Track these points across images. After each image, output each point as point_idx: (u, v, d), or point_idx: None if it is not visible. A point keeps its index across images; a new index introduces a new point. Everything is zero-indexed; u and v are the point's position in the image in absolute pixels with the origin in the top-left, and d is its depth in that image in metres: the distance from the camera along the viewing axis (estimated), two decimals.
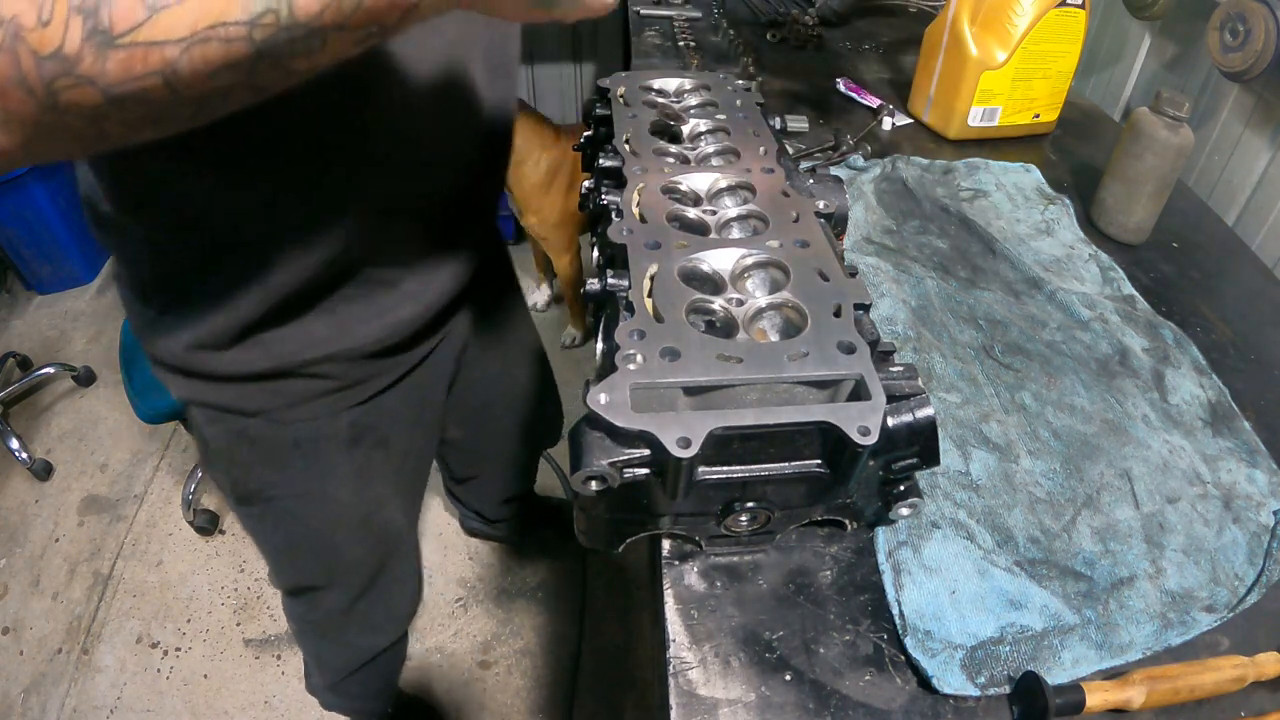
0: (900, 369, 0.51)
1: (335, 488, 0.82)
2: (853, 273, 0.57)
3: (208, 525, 1.75)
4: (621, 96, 0.78)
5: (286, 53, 0.35)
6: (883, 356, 0.52)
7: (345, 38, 0.36)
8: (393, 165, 0.65)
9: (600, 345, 0.55)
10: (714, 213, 0.63)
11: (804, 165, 1.00)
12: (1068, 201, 1.00)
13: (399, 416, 0.83)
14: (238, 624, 1.61)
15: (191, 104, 0.35)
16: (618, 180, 0.66)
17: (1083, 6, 1.04)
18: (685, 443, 0.44)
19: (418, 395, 0.85)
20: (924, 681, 0.51)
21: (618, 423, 0.45)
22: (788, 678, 0.51)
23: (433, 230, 0.73)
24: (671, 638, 0.53)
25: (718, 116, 0.76)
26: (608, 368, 0.48)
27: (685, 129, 0.74)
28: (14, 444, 1.87)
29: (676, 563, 0.57)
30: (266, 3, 0.33)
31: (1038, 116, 1.13)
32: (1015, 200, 1.00)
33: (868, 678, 0.52)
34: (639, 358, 0.48)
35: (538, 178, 1.92)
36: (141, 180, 0.58)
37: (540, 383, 1.20)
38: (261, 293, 0.64)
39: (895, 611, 0.54)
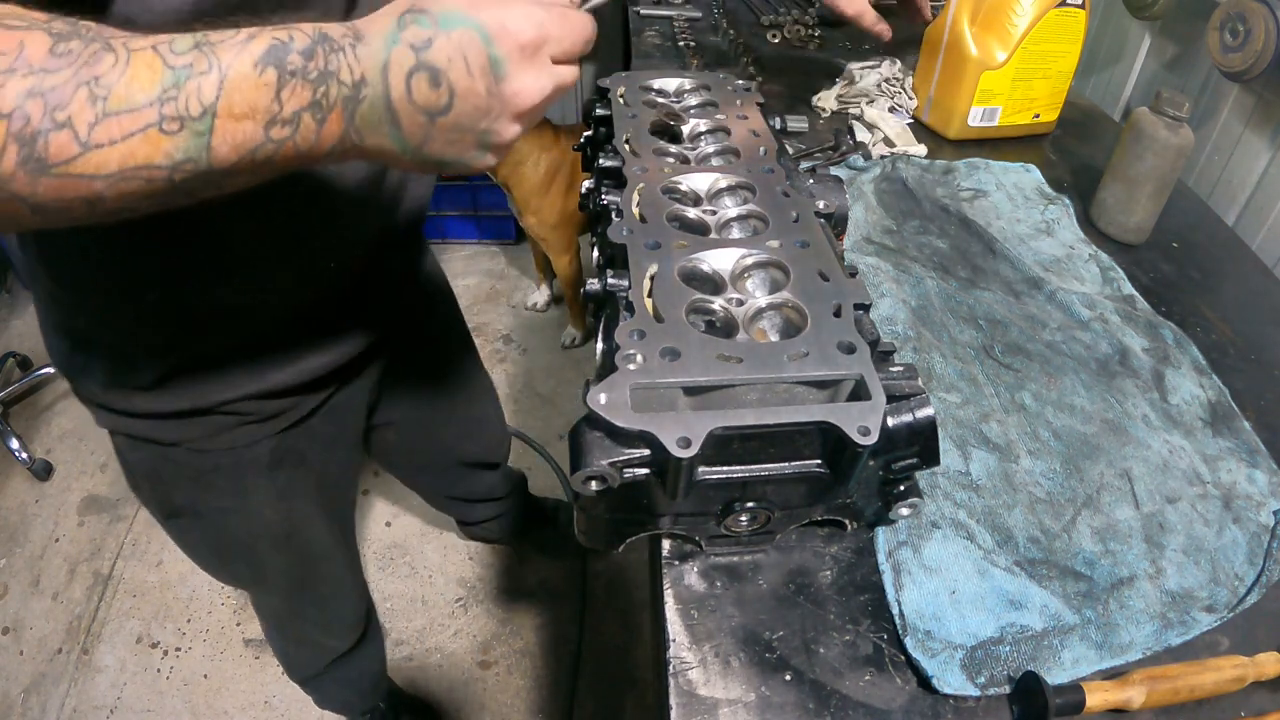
0: (900, 369, 0.51)
1: (257, 505, 0.83)
2: (853, 273, 0.57)
3: None
4: (621, 96, 0.78)
5: (201, 188, 0.40)
6: (883, 356, 0.52)
7: (259, 177, 0.42)
8: (305, 240, 0.66)
9: (600, 345, 0.55)
10: (714, 213, 0.63)
11: (804, 165, 1.00)
12: (1068, 201, 1.00)
13: (319, 439, 0.84)
14: (238, 624, 1.61)
15: (109, 215, 0.39)
16: (618, 180, 0.66)
17: (1083, 6, 1.04)
18: (685, 443, 0.44)
19: (338, 418, 0.86)
20: (924, 681, 0.51)
21: (618, 423, 0.45)
22: (788, 678, 0.51)
23: (347, 290, 0.74)
24: (671, 638, 0.53)
25: (718, 116, 0.76)
26: (608, 368, 0.48)
27: (685, 129, 0.74)
28: (14, 444, 1.87)
29: (676, 563, 0.57)
30: (187, 152, 0.37)
31: (1038, 116, 1.13)
32: (1015, 200, 1.00)
33: (868, 678, 0.52)
34: (639, 358, 0.48)
35: (537, 178, 1.92)
36: (52, 245, 0.62)
37: (475, 391, 1.20)
38: (174, 344, 0.67)
39: (895, 611, 0.54)
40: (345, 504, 1.02)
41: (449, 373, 1.10)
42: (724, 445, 0.47)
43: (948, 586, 0.55)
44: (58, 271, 0.64)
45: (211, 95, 0.37)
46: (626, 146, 0.70)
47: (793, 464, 0.50)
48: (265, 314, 0.69)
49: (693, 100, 0.79)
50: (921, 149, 1.07)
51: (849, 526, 0.59)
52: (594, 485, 0.47)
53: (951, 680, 0.50)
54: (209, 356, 0.69)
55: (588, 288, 0.55)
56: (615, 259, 0.58)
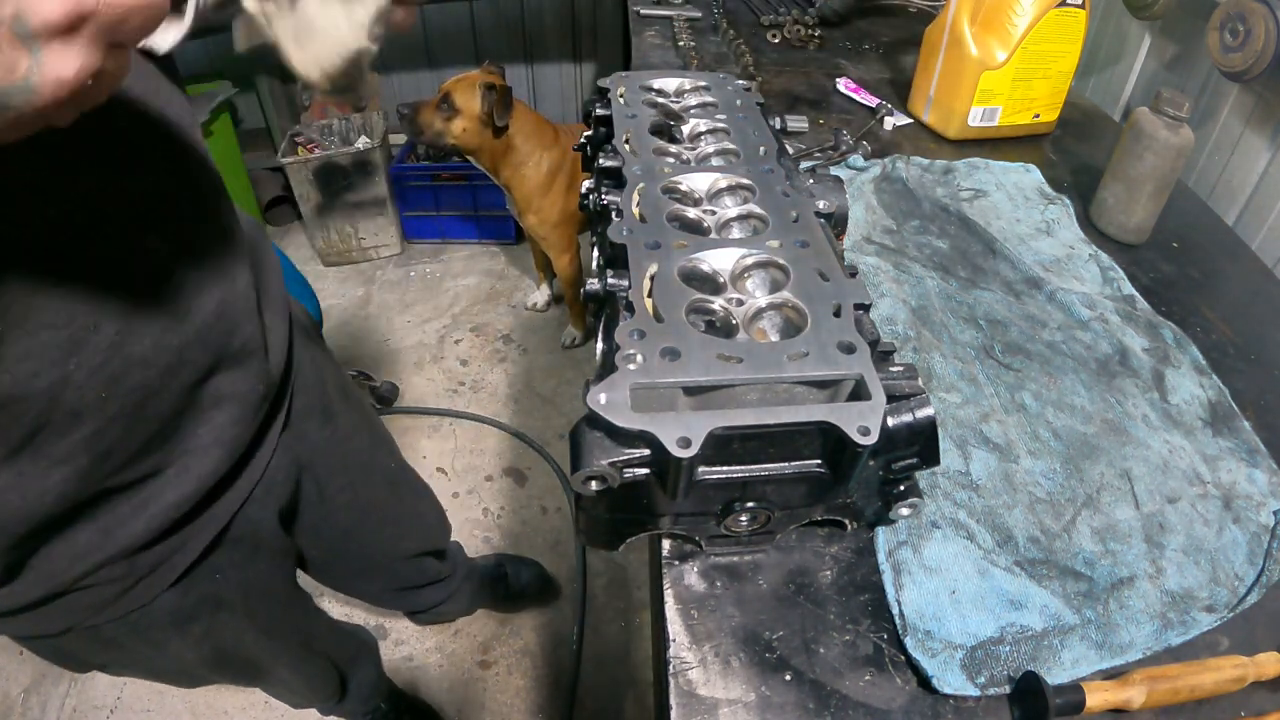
0: (900, 369, 0.51)
1: (176, 651, 0.75)
2: (853, 273, 0.57)
3: None
4: (621, 96, 0.78)
5: None
6: (883, 356, 0.52)
7: None
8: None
9: (600, 345, 0.55)
10: (714, 213, 0.63)
11: (804, 165, 1.00)
12: (1068, 201, 1.00)
13: (230, 568, 0.74)
14: None
15: None
16: (618, 180, 0.66)
17: (1083, 6, 1.04)
18: (685, 443, 0.44)
19: (243, 547, 0.74)
20: (924, 681, 0.51)
21: (618, 423, 0.45)
22: (788, 678, 0.51)
23: (180, 402, 0.60)
24: (671, 638, 0.53)
25: (718, 116, 0.76)
26: (608, 368, 0.48)
27: (685, 129, 0.74)
28: None
29: (676, 563, 0.57)
30: None
31: (1038, 116, 1.13)
32: (1015, 200, 1.00)
33: (868, 678, 0.52)
34: (639, 358, 0.48)
35: (539, 178, 1.92)
36: None
37: (401, 489, 1.10)
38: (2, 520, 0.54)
39: (895, 611, 0.54)
40: (283, 608, 0.91)
41: (368, 472, 0.98)
42: (724, 445, 0.47)
43: (948, 586, 0.55)
44: None
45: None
46: (626, 146, 0.70)
47: (793, 464, 0.50)
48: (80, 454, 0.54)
49: (693, 100, 0.79)
50: None
51: (849, 526, 0.59)
52: (594, 485, 0.47)
53: (951, 680, 0.50)
54: (43, 526, 0.55)
55: (588, 288, 0.55)
56: (615, 259, 0.58)
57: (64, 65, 0.30)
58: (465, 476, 1.90)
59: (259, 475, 0.73)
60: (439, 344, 2.28)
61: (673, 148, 0.71)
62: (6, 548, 0.55)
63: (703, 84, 0.81)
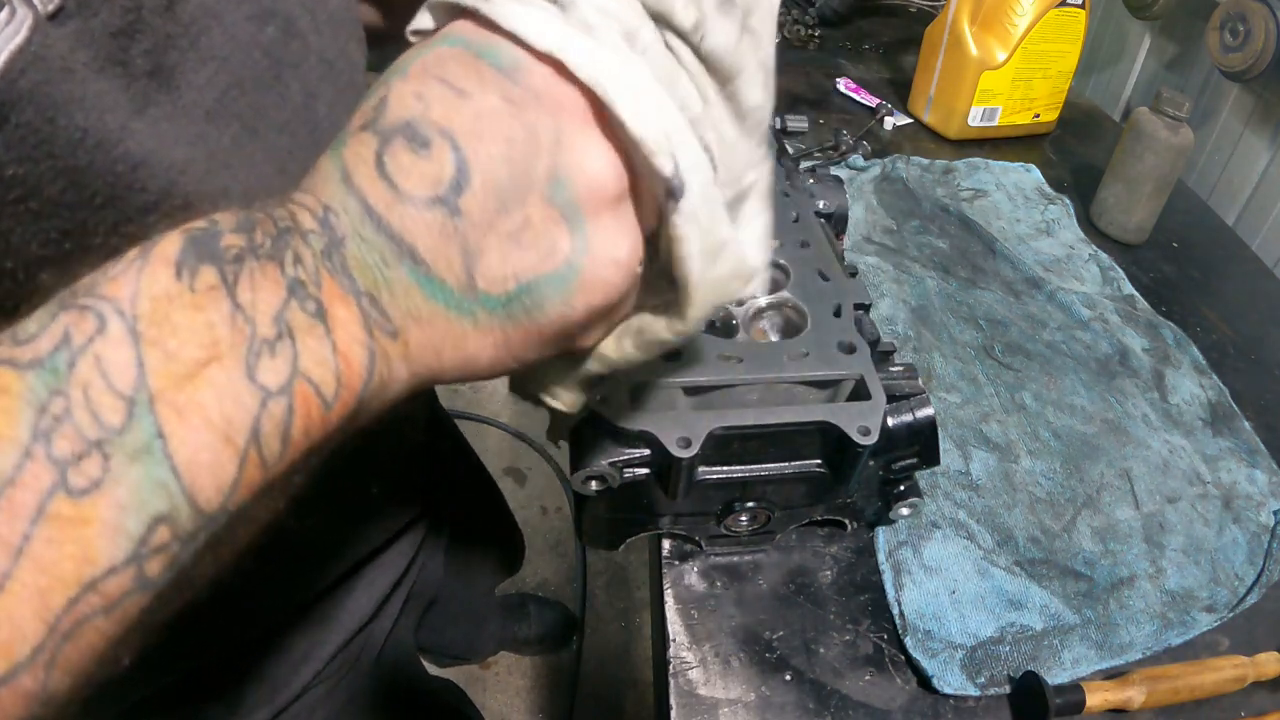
0: (900, 369, 0.51)
1: None
2: (853, 273, 0.57)
3: None
4: None
5: (197, 574, 0.21)
6: (883, 356, 0.53)
7: (279, 493, 0.23)
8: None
9: None
10: None
11: (804, 165, 1.00)
12: (1068, 201, 1.00)
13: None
14: None
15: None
16: None
17: (1083, 6, 1.04)
18: (685, 443, 0.44)
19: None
20: (924, 681, 0.51)
21: (618, 423, 0.45)
22: (788, 678, 0.51)
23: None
24: (671, 638, 0.53)
25: None
26: None
27: None
28: None
29: (676, 563, 0.57)
30: (144, 510, 0.19)
31: (1038, 116, 1.13)
32: (1015, 200, 1.00)
33: (868, 678, 0.52)
34: None
35: None
36: None
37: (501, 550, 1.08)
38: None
39: (895, 611, 0.54)
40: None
41: (483, 538, 0.94)
42: (724, 445, 0.47)
43: (948, 586, 0.55)
44: None
45: (131, 372, 0.19)
46: None
47: (793, 464, 0.50)
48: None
49: None
50: None
51: (849, 526, 0.59)
52: (594, 485, 0.47)
53: (951, 680, 0.50)
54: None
55: None
56: None
57: (615, 243, 0.23)
58: None
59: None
60: None
61: None
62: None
63: None
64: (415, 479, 0.60)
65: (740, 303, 0.54)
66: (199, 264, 0.20)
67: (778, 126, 0.77)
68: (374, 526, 0.61)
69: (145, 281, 0.20)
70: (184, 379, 0.19)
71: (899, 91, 1.25)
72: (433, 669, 1.51)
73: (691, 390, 0.48)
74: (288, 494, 0.23)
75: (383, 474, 0.54)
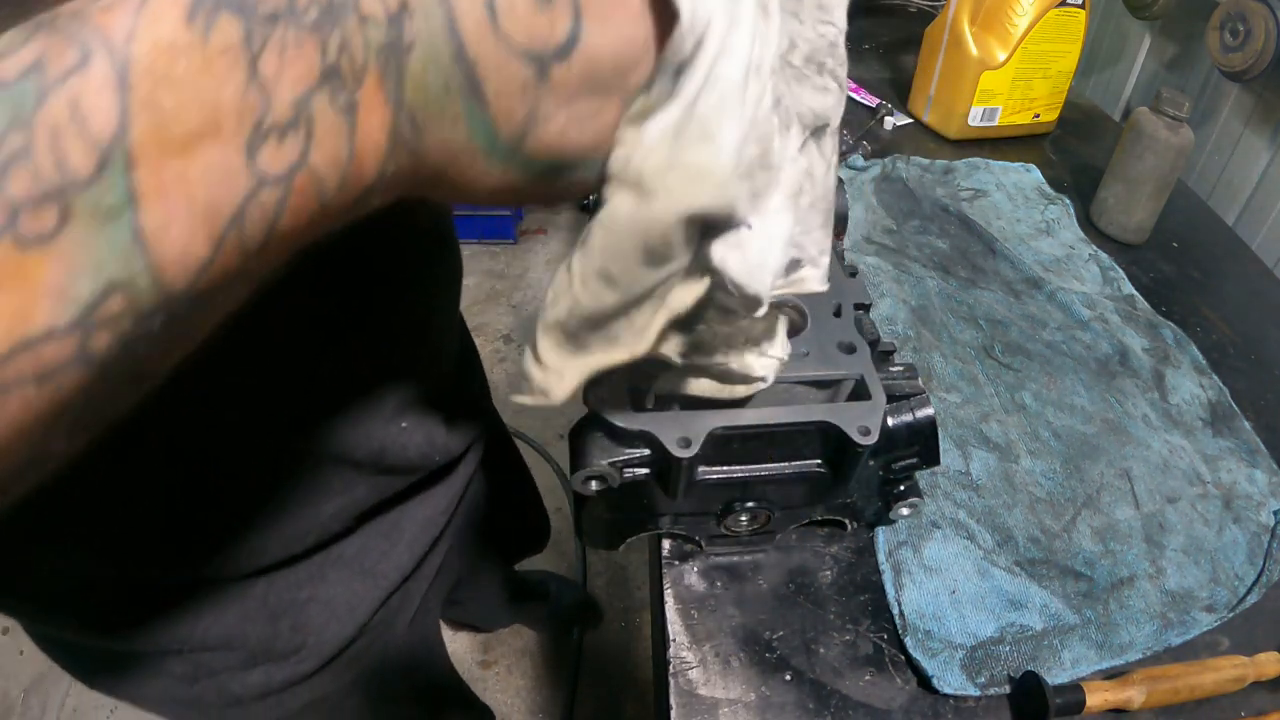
0: (900, 369, 0.51)
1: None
2: (853, 273, 0.57)
3: None
4: None
5: (146, 356, 0.19)
6: (883, 356, 0.53)
7: (248, 284, 0.21)
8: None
9: None
10: None
11: None
12: (1068, 201, 1.00)
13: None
14: None
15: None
16: None
17: (1083, 6, 1.04)
18: (685, 443, 0.44)
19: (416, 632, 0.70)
20: (924, 681, 0.51)
21: (618, 423, 0.45)
22: (788, 678, 0.51)
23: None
24: (671, 638, 0.53)
25: None
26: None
27: None
28: None
29: (676, 563, 0.57)
30: (98, 282, 0.16)
31: (1038, 116, 1.13)
32: (1015, 200, 1.00)
33: (868, 678, 0.52)
34: None
35: None
36: None
37: (528, 518, 1.07)
38: (243, 581, 0.51)
39: (895, 611, 0.54)
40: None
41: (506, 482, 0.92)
42: (724, 445, 0.47)
43: (948, 586, 0.55)
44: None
45: (111, 123, 0.16)
46: None
47: (793, 464, 0.50)
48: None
49: None
50: None
51: (849, 526, 0.59)
52: (594, 485, 0.47)
53: (951, 680, 0.50)
54: (297, 576, 0.53)
55: None
56: None
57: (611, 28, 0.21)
58: None
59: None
60: None
61: None
62: (256, 607, 0.52)
63: None
64: (448, 411, 0.60)
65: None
66: (219, 11, 0.17)
67: None
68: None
69: (146, 20, 0.16)
70: (171, 146, 0.16)
71: (899, 91, 1.25)
72: (446, 633, 1.54)
73: None
74: (254, 287, 0.21)
75: (410, 407, 0.54)
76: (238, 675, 0.54)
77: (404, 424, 0.52)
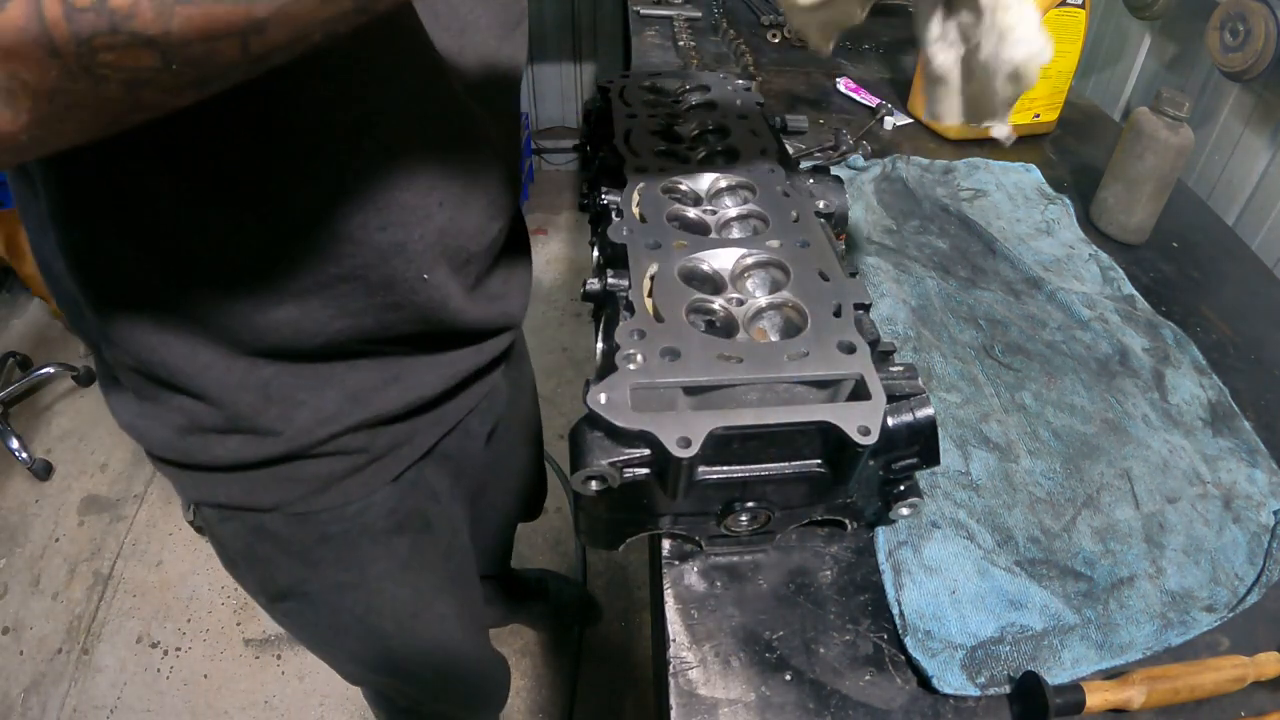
0: (900, 369, 0.51)
1: (377, 578, 0.71)
2: (853, 273, 0.57)
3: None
4: (621, 96, 0.78)
5: None
6: (883, 356, 0.53)
7: None
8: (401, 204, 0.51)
9: (600, 345, 0.55)
10: (714, 212, 0.63)
11: (804, 165, 1.00)
12: (1068, 201, 1.00)
13: (439, 493, 0.72)
14: (238, 624, 1.61)
15: (263, 62, 0.27)
16: (617, 180, 0.66)
17: (1083, 6, 1.04)
18: (685, 443, 0.44)
19: (454, 464, 0.73)
20: (924, 681, 0.51)
21: (618, 423, 0.45)
22: (788, 678, 0.51)
23: (464, 294, 0.60)
24: (671, 638, 0.53)
25: (718, 117, 0.76)
26: (608, 368, 0.48)
27: (685, 129, 0.74)
28: (14, 444, 1.87)
29: (676, 563, 0.57)
30: None
31: (1038, 116, 1.13)
32: (1015, 200, 1.00)
33: (868, 678, 0.52)
34: (639, 357, 0.48)
35: None
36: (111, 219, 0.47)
37: (536, 462, 1.12)
38: (254, 359, 0.54)
39: (895, 611, 0.54)
40: (472, 583, 0.86)
41: (526, 428, 0.95)
42: (724, 445, 0.47)
43: (948, 586, 0.55)
44: (102, 289, 0.50)
45: None
46: (626, 146, 0.70)
47: (793, 464, 0.50)
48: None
49: (693, 100, 0.79)
50: None
51: (849, 526, 0.59)
52: (594, 485, 0.47)
53: (951, 680, 0.50)
54: (299, 379, 0.55)
55: (588, 287, 0.55)
56: (615, 259, 0.58)
57: None
58: None
59: (484, 392, 0.72)
60: None
61: (673, 148, 0.71)
62: (258, 385, 0.54)
63: (703, 84, 0.81)
64: (471, 281, 0.62)
65: (740, 302, 0.54)
66: None
67: (778, 126, 0.77)
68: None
69: None
70: None
71: (899, 91, 1.25)
72: None
73: (691, 390, 0.48)
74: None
75: (441, 262, 0.56)
76: (218, 438, 0.57)
77: (425, 276, 0.54)
